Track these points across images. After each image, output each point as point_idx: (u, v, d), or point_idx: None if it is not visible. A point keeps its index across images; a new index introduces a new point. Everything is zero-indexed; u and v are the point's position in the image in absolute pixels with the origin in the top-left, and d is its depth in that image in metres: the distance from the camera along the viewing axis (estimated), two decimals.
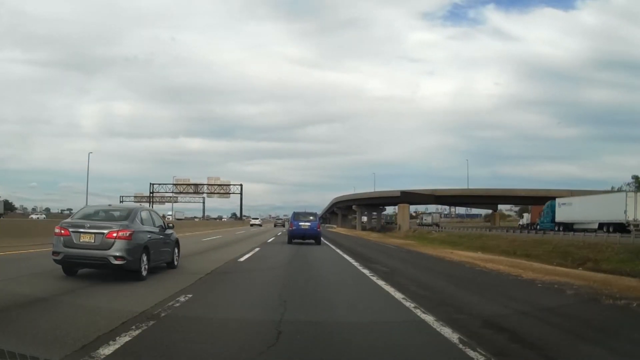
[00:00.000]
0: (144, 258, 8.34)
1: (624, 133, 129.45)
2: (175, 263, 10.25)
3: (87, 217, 8.53)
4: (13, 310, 5.53)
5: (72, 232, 7.94)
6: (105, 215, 8.77)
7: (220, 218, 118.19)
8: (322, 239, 24.29)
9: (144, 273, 8.35)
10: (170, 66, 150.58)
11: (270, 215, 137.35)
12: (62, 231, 8.01)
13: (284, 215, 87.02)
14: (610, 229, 29.99)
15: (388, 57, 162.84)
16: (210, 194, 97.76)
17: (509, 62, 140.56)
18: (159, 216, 10.20)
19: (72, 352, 3.98)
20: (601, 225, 31.65)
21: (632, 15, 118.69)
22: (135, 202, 79.33)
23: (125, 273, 8.04)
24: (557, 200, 39.18)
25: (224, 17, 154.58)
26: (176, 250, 10.37)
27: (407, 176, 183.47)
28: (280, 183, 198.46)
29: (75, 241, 7.89)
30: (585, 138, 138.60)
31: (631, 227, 28.84)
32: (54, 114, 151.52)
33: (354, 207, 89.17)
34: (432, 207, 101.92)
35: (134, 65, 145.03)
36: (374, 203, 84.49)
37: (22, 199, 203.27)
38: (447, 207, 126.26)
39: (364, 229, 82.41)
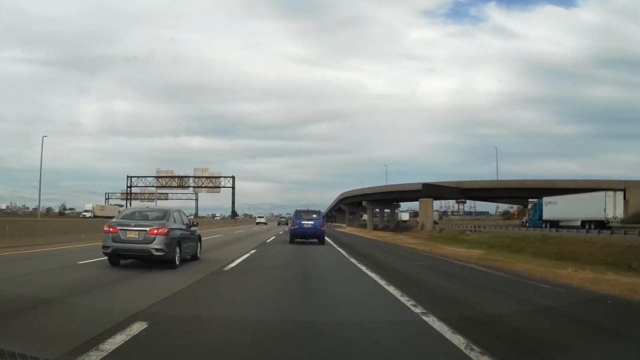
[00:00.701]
0: (177, 250, 12.13)
1: (625, 130, 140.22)
2: (199, 256, 14.06)
3: (129, 217, 12.34)
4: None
5: (120, 229, 11.70)
6: (145, 215, 12.54)
7: (213, 216, 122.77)
8: (346, 255, 18.42)
9: (177, 262, 12.12)
10: (170, 65, 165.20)
11: (272, 214, 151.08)
12: (111, 229, 11.77)
13: (287, 214, 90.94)
14: (592, 226, 36.21)
15: (388, 55, 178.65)
16: (197, 187, 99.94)
17: (510, 59, 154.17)
18: (186, 216, 13.97)
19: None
20: (583, 223, 38.19)
21: (632, 13, 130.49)
22: (121, 199, 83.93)
23: (163, 262, 11.79)
24: (544, 199, 46.56)
25: (224, 16, 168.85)
26: (199, 245, 14.17)
27: (409, 173, 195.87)
28: (281, 181, 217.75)
29: (122, 237, 11.63)
30: (585, 135, 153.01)
31: (611, 224, 35.73)
32: (54, 112, 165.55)
33: (364, 203, 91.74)
34: (435, 204, 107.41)
35: (134, 65, 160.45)
36: (388, 198, 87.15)
37: (24, 198, 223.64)
38: (450, 204, 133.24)
39: (375, 227, 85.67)
